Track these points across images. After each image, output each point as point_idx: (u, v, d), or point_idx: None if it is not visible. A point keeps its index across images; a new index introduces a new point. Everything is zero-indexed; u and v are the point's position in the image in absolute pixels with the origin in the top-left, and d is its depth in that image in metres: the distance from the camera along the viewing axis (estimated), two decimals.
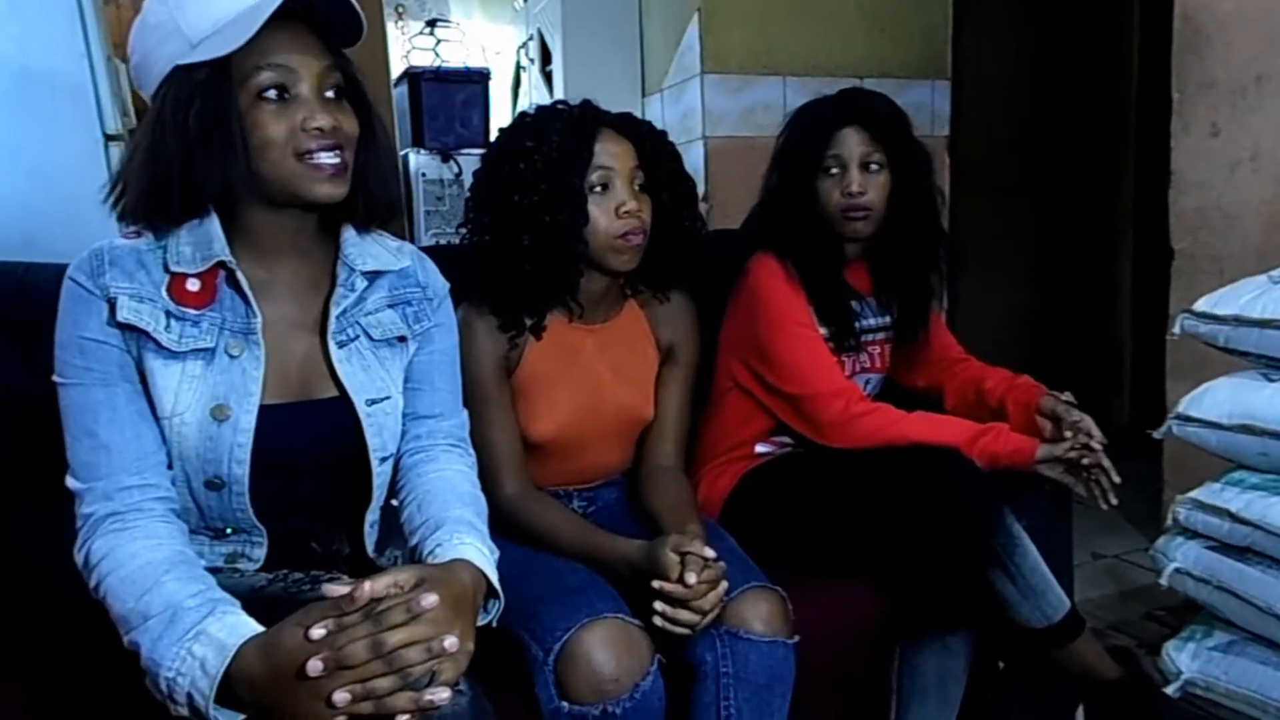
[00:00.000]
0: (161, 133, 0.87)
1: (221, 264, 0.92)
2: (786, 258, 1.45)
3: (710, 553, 1.06)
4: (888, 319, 1.57)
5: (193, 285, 0.91)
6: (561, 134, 1.20)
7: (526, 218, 1.19)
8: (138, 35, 0.90)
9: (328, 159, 0.90)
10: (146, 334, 0.88)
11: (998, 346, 1.65)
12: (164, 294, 0.90)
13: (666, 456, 1.35)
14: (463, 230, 1.29)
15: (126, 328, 0.88)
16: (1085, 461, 1.31)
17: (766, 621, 1.11)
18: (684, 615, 1.05)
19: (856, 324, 1.49)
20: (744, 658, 1.10)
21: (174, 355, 0.90)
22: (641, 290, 1.37)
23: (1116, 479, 1.31)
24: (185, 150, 0.86)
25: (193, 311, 0.91)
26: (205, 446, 0.91)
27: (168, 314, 0.90)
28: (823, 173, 1.44)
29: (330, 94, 0.91)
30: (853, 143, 1.43)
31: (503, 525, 1.21)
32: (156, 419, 0.90)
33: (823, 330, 1.46)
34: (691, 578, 1.04)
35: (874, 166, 1.44)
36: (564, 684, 1.01)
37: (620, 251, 1.23)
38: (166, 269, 0.91)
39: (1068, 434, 1.33)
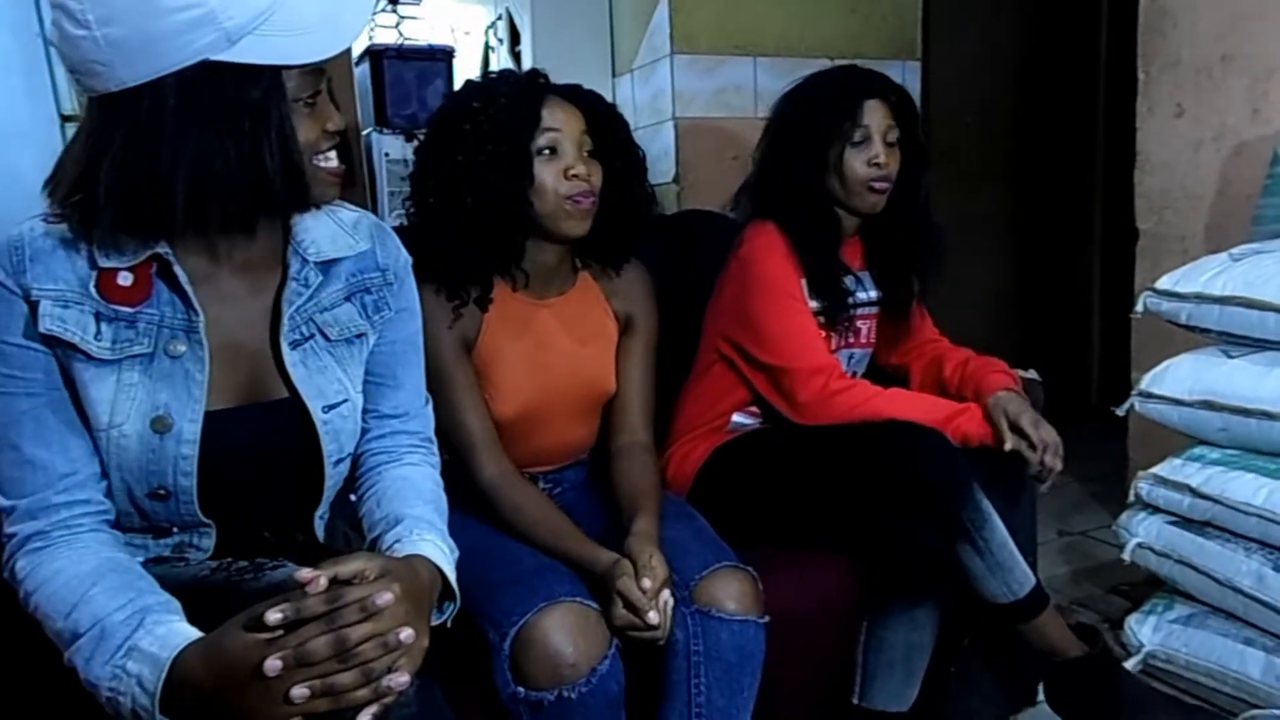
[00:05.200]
0: (184, 136, 0.76)
1: (156, 255, 0.83)
2: (787, 229, 1.44)
3: (647, 583, 1.05)
4: (877, 295, 1.57)
5: (124, 280, 0.82)
6: (509, 96, 1.18)
7: (472, 179, 1.16)
8: (129, 4, 0.74)
9: (334, 160, 0.87)
10: (74, 345, 0.80)
11: (968, 326, 1.65)
12: (93, 292, 0.81)
13: (632, 431, 1.33)
14: (407, 204, 1.26)
15: (50, 338, 0.81)
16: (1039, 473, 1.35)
17: (738, 600, 1.11)
18: (641, 636, 1.06)
19: (850, 300, 1.48)
20: (715, 636, 1.09)
21: (107, 364, 0.82)
22: (592, 264, 1.35)
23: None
24: (222, 158, 0.78)
25: (127, 310, 0.82)
26: (148, 459, 0.84)
27: (98, 316, 0.81)
28: (847, 143, 1.43)
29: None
30: (879, 115, 1.44)
31: (470, 505, 1.19)
32: (89, 428, 0.83)
33: (814, 304, 1.45)
34: (645, 583, 1.04)
35: (892, 141, 1.45)
36: (520, 669, 1.00)
37: (570, 215, 1.21)
38: (94, 263, 0.82)
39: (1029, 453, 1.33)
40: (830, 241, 1.47)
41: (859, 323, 1.54)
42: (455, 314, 1.22)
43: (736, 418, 1.51)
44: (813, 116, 1.45)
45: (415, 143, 1.28)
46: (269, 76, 0.79)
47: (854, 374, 1.55)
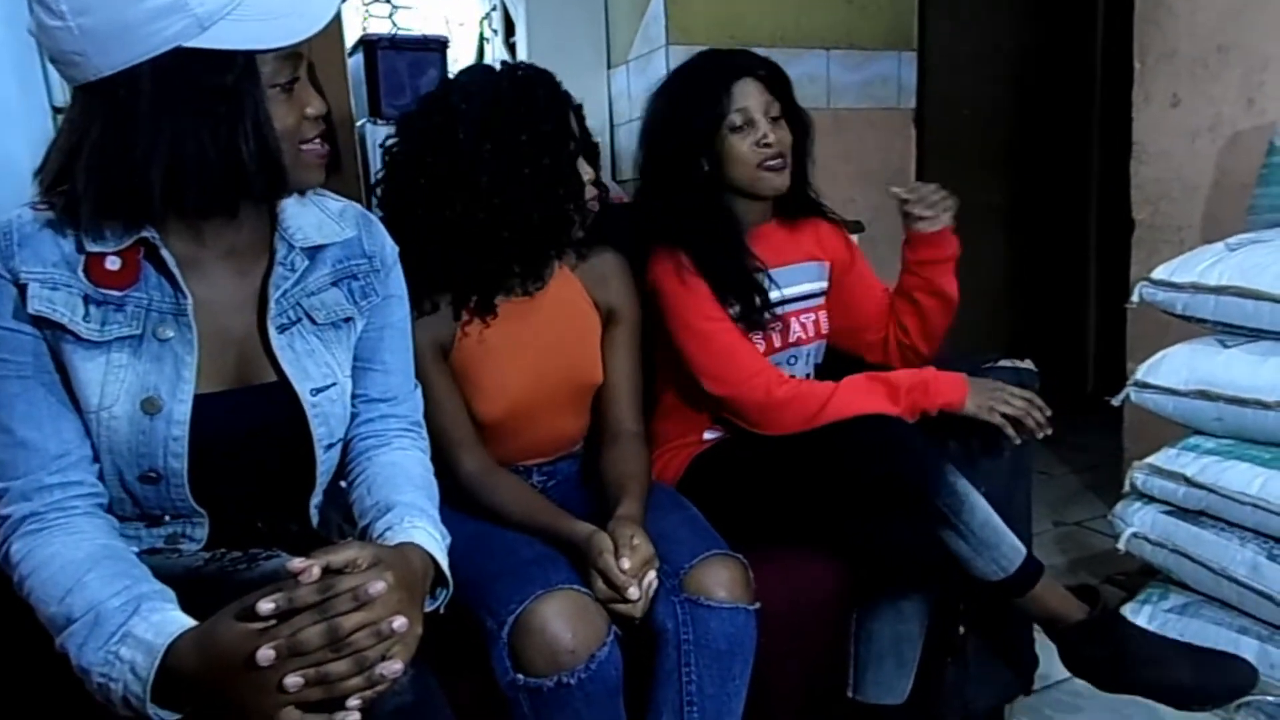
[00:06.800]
0: (158, 123, 0.77)
1: (143, 239, 0.84)
2: (677, 244, 1.38)
3: (626, 563, 1.04)
4: (821, 284, 1.52)
5: (112, 264, 0.83)
6: (547, 102, 1.17)
7: (539, 189, 1.16)
8: None
9: (318, 145, 0.87)
10: (62, 327, 0.81)
11: (964, 316, 1.64)
12: (81, 275, 0.82)
13: (621, 421, 1.32)
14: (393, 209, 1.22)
15: (40, 319, 0.82)
16: (1009, 412, 1.31)
17: (727, 588, 1.11)
18: (618, 608, 1.05)
19: (770, 296, 1.41)
20: (704, 624, 1.09)
21: (96, 346, 0.83)
22: (565, 253, 1.31)
23: (1048, 411, 1.31)
24: (196, 144, 0.78)
25: (115, 293, 0.83)
26: (138, 440, 0.85)
27: (86, 299, 0.82)
28: (729, 131, 1.37)
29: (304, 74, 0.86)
30: (753, 93, 1.38)
31: (460, 500, 1.19)
32: (80, 411, 0.84)
33: (733, 310, 1.39)
34: (625, 563, 1.04)
35: (775, 116, 1.40)
36: (519, 656, 0.99)
37: (580, 225, 1.23)
38: (81, 247, 0.83)
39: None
40: (727, 239, 1.40)
41: (802, 318, 1.48)
42: (441, 324, 1.22)
43: (707, 434, 1.47)
44: (686, 113, 1.39)
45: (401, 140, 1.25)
46: (242, 62, 0.79)
47: (809, 374, 1.51)
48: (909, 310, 1.51)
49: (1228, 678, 1.19)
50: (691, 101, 1.39)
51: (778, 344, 1.46)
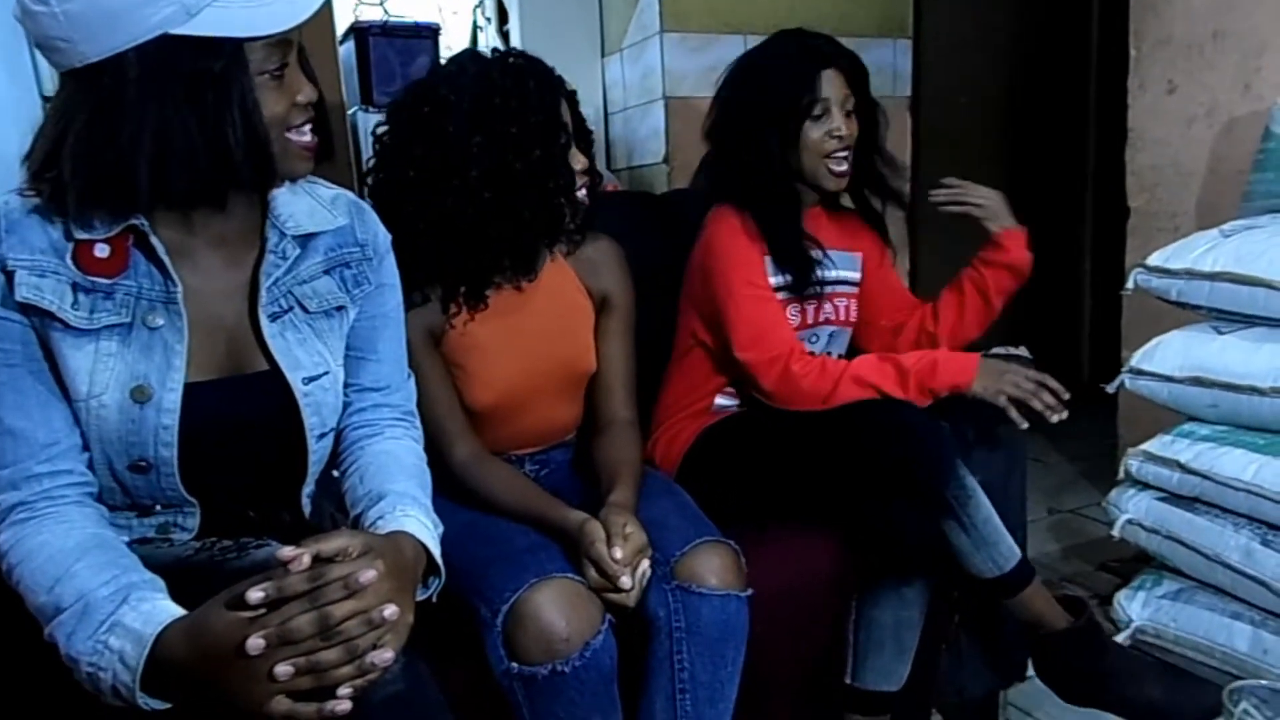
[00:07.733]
0: (144, 110, 0.77)
1: (132, 227, 0.84)
2: (744, 206, 1.43)
3: (619, 552, 1.04)
4: (855, 274, 1.56)
5: (101, 251, 0.83)
6: (539, 92, 1.16)
7: (529, 183, 1.14)
8: None
9: (308, 135, 0.86)
10: (51, 314, 0.81)
11: None
12: (69, 263, 0.81)
13: (615, 410, 1.32)
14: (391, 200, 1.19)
15: (27, 306, 0.81)
16: (1016, 395, 1.30)
17: (719, 575, 1.10)
18: (611, 597, 1.05)
19: (817, 273, 1.46)
20: (696, 612, 1.09)
21: (84, 334, 0.82)
22: (558, 242, 1.30)
23: (1065, 394, 1.29)
24: (183, 132, 0.78)
25: (104, 281, 0.82)
26: (128, 429, 0.84)
27: (75, 286, 0.82)
28: (806, 118, 1.41)
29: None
30: (836, 85, 1.41)
31: (454, 489, 1.19)
32: (69, 400, 0.83)
33: (779, 279, 1.44)
34: (617, 552, 1.03)
35: (850, 110, 1.44)
36: (514, 644, 0.99)
37: (571, 217, 1.22)
38: (70, 235, 0.82)
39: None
40: (789, 212, 1.45)
41: (836, 300, 1.53)
42: (436, 314, 1.21)
43: (719, 400, 1.50)
44: (767, 91, 1.42)
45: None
46: (230, 49, 0.78)
47: (830, 354, 1.54)
48: (952, 301, 1.56)
49: (1200, 701, 1.19)
50: (778, 81, 1.41)
51: (810, 320, 1.50)
